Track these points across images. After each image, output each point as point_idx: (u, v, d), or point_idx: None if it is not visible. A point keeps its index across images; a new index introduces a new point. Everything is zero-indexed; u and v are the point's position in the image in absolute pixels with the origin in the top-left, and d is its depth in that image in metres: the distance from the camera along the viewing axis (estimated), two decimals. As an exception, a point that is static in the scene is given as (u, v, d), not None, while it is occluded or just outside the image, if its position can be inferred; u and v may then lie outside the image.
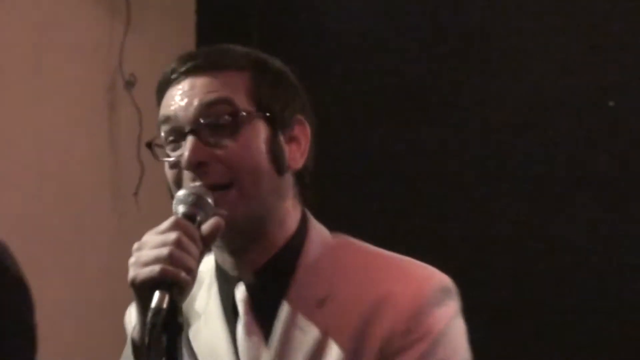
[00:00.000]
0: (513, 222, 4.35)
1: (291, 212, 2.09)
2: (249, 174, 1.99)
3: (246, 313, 2.02)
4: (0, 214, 3.17)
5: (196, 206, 1.90)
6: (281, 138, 2.03)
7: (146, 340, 1.76)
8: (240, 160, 1.99)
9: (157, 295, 1.76)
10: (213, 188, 1.94)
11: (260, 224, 2.02)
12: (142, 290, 1.79)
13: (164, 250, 1.79)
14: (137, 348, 1.89)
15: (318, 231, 2.11)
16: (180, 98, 1.98)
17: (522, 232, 4.38)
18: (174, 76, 2.02)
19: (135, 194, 4.67)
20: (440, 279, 2.01)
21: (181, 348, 1.87)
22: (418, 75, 4.56)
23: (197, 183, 1.95)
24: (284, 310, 2.00)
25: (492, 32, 4.50)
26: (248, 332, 2.01)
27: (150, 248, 1.81)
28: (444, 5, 4.71)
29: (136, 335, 1.88)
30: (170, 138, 1.96)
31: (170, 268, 1.78)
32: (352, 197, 4.59)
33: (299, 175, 2.08)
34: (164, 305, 1.76)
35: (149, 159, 4.73)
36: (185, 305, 1.97)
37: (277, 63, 2.12)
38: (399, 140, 4.35)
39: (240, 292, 2.02)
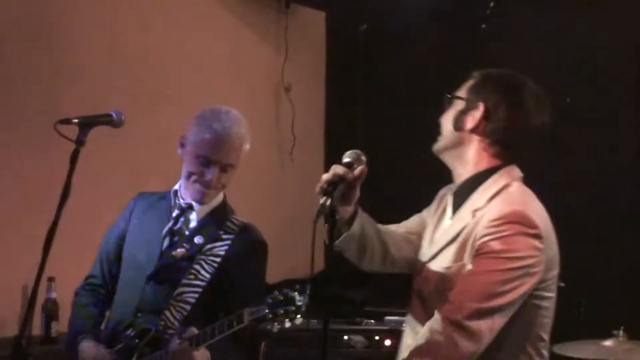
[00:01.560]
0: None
1: (479, 159, 2.58)
2: (443, 129, 2.66)
3: (449, 206, 2.69)
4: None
5: (352, 158, 2.50)
6: (466, 112, 2.58)
7: (313, 225, 2.39)
8: (444, 120, 2.67)
9: (321, 201, 2.41)
10: None
11: (450, 157, 2.65)
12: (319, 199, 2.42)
13: (323, 177, 2.44)
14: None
15: (506, 174, 2.58)
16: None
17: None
18: None
19: (290, 153, 5.99)
20: (524, 210, 2.44)
21: (337, 234, 2.53)
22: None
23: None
24: (461, 209, 2.60)
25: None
26: (448, 218, 2.68)
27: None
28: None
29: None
30: None
31: (323, 187, 2.43)
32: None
33: (491, 137, 2.57)
34: (322, 205, 2.39)
35: (299, 133, 5.97)
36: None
37: (494, 75, 2.63)
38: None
39: (451, 192, 2.71)
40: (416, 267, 2.69)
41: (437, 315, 2.45)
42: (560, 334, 3.69)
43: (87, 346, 3.27)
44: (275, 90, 5.97)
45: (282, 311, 2.79)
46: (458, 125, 2.60)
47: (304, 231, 5.55)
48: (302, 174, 6.03)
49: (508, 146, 2.57)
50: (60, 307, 4.28)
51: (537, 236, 2.40)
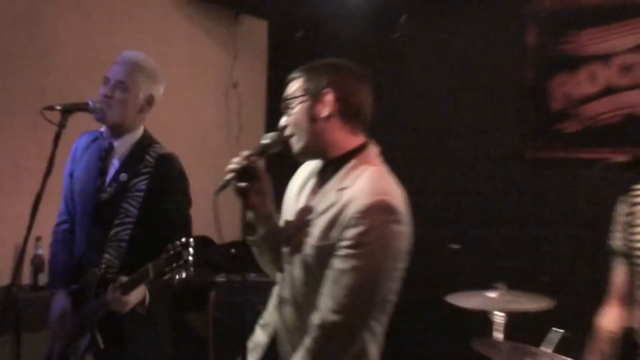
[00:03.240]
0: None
1: (342, 140, 2.37)
2: (297, 129, 2.41)
3: (313, 182, 2.48)
4: (182, 154, 3.34)
5: (271, 139, 2.40)
6: (315, 103, 2.36)
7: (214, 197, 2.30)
8: (293, 121, 2.41)
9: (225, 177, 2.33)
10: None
11: (313, 151, 2.41)
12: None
13: (234, 160, 2.36)
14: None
15: (367, 156, 2.39)
16: (285, 92, 2.44)
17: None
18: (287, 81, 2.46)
19: (237, 138, 6.03)
20: (388, 199, 2.24)
21: (248, 203, 2.36)
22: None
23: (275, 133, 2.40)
24: (326, 186, 2.39)
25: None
26: (311, 192, 2.46)
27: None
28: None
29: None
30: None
31: (230, 167, 2.36)
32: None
33: (342, 113, 2.36)
34: (226, 179, 2.33)
35: (244, 121, 6.07)
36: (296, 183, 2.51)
37: (321, 66, 2.41)
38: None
39: (314, 173, 2.49)
40: (280, 240, 2.48)
41: (324, 313, 2.29)
42: (451, 286, 4.08)
43: (59, 299, 3.22)
44: (225, 86, 6.05)
45: (175, 265, 2.80)
46: (313, 117, 2.37)
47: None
48: (246, 156, 6.05)
49: (355, 115, 2.40)
50: (45, 261, 4.25)
51: (400, 221, 2.27)
